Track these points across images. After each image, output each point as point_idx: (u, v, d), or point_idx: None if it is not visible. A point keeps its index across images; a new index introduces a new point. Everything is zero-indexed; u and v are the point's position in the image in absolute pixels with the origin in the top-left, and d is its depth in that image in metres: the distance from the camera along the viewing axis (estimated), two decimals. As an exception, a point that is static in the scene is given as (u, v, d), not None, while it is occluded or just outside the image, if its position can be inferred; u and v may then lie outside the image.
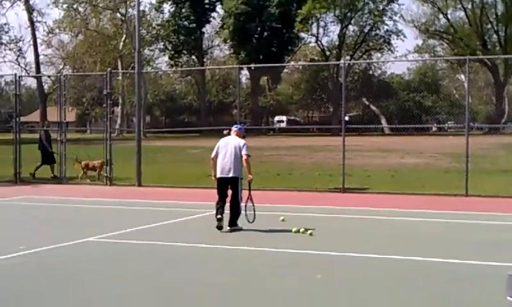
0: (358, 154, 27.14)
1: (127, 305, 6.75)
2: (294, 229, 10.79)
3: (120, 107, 65.34)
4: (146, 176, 19.85)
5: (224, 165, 11.11)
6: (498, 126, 44.49)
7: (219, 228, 10.93)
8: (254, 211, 11.19)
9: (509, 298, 4.64)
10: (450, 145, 28.57)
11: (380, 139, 43.07)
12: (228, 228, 11.07)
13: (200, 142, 44.66)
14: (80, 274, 8.07)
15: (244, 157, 11.04)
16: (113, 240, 10.33)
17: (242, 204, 11.19)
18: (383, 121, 62.42)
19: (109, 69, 20.03)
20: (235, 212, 11.18)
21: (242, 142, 11.25)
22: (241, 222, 11.18)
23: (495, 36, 65.75)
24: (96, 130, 54.82)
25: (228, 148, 11.17)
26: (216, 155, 11.24)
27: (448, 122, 57.64)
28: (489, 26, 65.98)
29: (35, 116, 75.51)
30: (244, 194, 11.25)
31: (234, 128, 11.68)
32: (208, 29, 77.65)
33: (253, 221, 11.13)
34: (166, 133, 66.23)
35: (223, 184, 11.19)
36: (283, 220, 11.83)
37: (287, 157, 28.72)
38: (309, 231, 10.63)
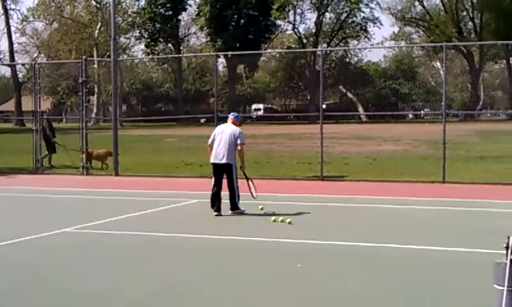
0: (335, 142, 27.18)
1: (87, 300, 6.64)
2: (273, 218, 10.75)
3: (95, 95, 64.65)
4: (124, 166, 19.69)
5: (218, 152, 11.46)
6: (473, 113, 44.87)
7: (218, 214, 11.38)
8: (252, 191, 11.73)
9: (496, 286, 4.61)
10: (426, 132, 28.77)
11: (357, 127, 43.19)
12: (230, 211, 11.48)
13: (177, 131, 44.55)
14: (54, 265, 7.93)
15: (239, 147, 11.38)
16: (90, 231, 10.17)
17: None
18: (360, 108, 62.67)
19: (84, 57, 19.75)
20: (232, 197, 11.48)
21: (238, 130, 11.51)
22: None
23: (470, 23, 66.24)
24: (72, 119, 54.42)
25: (223, 135, 11.47)
26: (213, 142, 11.57)
27: (425, 109, 58.08)
28: (464, 13, 66.45)
29: (10, 105, 74.55)
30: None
31: (231, 116, 11.95)
32: (184, 17, 77.20)
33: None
34: (143, 122, 65.88)
35: (217, 170, 11.54)
36: (261, 208, 11.77)
37: (264, 145, 28.65)
38: (288, 220, 10.58)
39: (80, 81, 19.10)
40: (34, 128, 20.18)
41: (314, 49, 60.91)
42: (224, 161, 11.36)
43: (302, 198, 13.78)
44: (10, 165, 20.85)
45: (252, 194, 11.74)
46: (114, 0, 18.73)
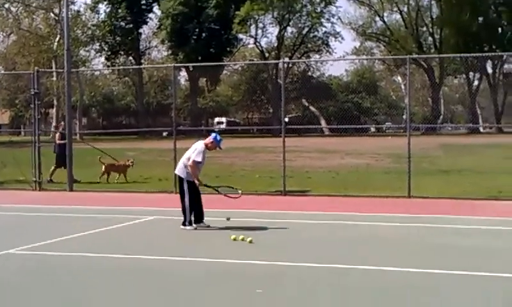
0: (298, 155, 26.78)
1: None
2: (232, 236, 10.15)
3: (54, 108, 63.33)
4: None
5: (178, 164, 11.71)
6: (435, 126, 45.11)
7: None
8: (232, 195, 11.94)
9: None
10: (389, 146, 28.60)
11: (320, 140, 43.00)
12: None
13: (138, 144, 43.68)
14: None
15: (189, 162, 11.19)
16: (35, 252, 9.42)
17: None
18: (323, 122, 62.63)
19: (36, 68, 18.94)
20: (183, 210, 11.30)
21: (198, 148, 11.28)
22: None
23: (430, 38, 66.98)
24: (30, 133, 52.93)
25: (189, 149, 11.52)
26: None
27: (387, 123, 58.32)
28: (424, 29, 67.20)
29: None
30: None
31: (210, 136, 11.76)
32: (145, 30, 76.34)
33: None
34: (104, 136, 64.62)
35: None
36: (228, 219, 11.39)
37: (226, 159, 28.02)
38: (249, 239, 10.01)
39: (32, 93, 18.31)
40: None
41: (275, 61, 60.75)
42: (176, 171, 11.73)
43: (264, 215, 13.24)
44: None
45: (234, 197, 11.94)
46: (68, 11, 17.99)
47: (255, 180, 19.69)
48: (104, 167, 19.95)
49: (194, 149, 11.29)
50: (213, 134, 11.70)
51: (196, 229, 11.24)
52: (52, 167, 20.13)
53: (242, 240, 10.01)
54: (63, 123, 23.40)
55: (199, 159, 11.17)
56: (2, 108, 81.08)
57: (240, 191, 12.08)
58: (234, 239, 10.09)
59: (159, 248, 9.77)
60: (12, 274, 8.18)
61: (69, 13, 69.86)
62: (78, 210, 14.33)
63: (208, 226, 11.39)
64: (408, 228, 11.73)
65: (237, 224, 11.47)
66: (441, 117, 62.80)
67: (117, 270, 8.36)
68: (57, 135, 20.82)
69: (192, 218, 11.34)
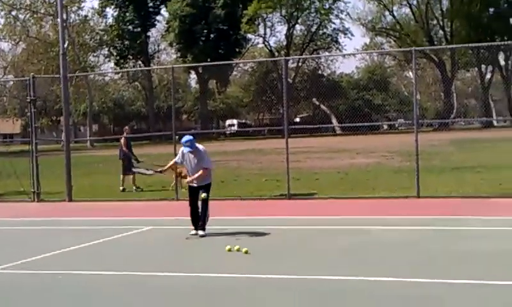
0: (307, 156, 26.21)
1: None
2: (227, 247, 9.56)
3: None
4: (80, 190, 18.44)
5: None
6: (447, 121, 44.28)
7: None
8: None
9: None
10: (400, 143, 27.89)
11: (331, 139, 42.33)
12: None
13: (148, 149, 43.21)
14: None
15: (210, 166, 11.17)
16: (20, 271, 8.90)
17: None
18: (334, 120, 61.93)
19: (32, 74, 18.48)
20: (204, 218, 11.12)
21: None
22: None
23: (441, 32, 66.12)
24: (43, 141, 52.65)
25: None
26: None
27: (399, 120, 57.54)
28: (434, 22, 66.34)
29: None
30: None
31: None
32: (153, 33, 76.13)
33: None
34: (115, 142, 64.29)
35: None
36: (229, 249, 9.64)
37: (233, 162, 27.54)
38: (244, 249, 9.41)
39: (28, 100, 17.86)
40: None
41: (278, 58, 60.06)
42: (199, 184, 11.17)
43: (264, 221, 12.61)
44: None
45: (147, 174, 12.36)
46: (62, 12, 17.53)
47: (261, 184, 19.10)
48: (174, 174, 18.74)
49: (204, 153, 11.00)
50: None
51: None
52: (121, 176, 19.34)
53: (238, 250, 9.43)
54: (127, 127, 22.69)
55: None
56: (14, 117, 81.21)
57: (151, 171, 12.11)
58: (229, 250, 9.51)
59: (147, 262, 9.20)
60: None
61: (77, 18, 69.53)
62: (74, 221, 13.82)
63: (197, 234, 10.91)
64: (411, 232, 11.04)
65: (233, 231, 10.93)
66: (454, 111, 61.86)
67: (103, 287, 7.81)
68: (123, 140, 20.01)
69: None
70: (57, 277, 8.42)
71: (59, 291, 7.74)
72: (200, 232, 10.84)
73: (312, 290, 7.26)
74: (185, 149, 10.87)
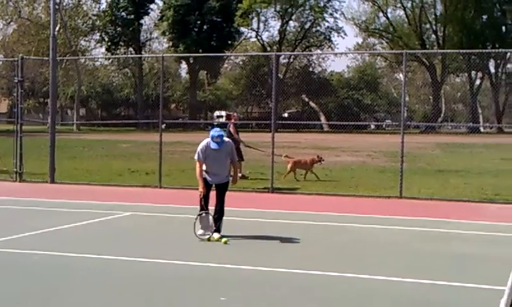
0: (293, 151, 26.16)
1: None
2: (206, 237, 9.55)
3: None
4: (63, 172, 18.37)
5: None
6: (434, 125, 44.47)
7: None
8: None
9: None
10: (386, 143, 28.01)
11: (317, 136, 42.34)
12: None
13: (134, 136, 43.18)
14: None
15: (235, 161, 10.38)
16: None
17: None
18: (322, 118, 61.99)
19: (20, 55, 18.31)
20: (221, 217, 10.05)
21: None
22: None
23: (433, 36, 66.34)
24: (28, 122, 52.35)
25: None
26: None
27: (386, 120, 57.72)
28: (427, 26, 66.55)
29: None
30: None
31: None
32: (146, 21, 75.79)
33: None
34: (102, 127, 64.07)
35: None
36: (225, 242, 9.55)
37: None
38: (224, 239, 9.41)
39: (16, 81, 17.72)
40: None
41: (268, 53, 60.05)
42: (220, 182, 10.11)
43: (246, 213, 12.59)
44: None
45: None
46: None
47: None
48: (289, 165, 18.27)
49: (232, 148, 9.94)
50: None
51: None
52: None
53: (217, 240, 9.43)
54: (235, 114, 20.84)
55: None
56: (1, 97, 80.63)
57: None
58: (208, 239, 9.50)
59: (124, 249, 9.15)
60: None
61: (70, 1, 68.95)
62: (54, 203, 13.71)
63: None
64: (390, 231, 11.09)
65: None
66: (442, 115, 62.16)
67: (63, 268, 7.76)
68: (232, 128, 18.17)
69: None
70: (33, 258, 8.37)
71: (34, 270, 7.69)
72: (215, 235, 9.64)
73: (285, 282, 7.27)
74: (213, 145, 9.55)
